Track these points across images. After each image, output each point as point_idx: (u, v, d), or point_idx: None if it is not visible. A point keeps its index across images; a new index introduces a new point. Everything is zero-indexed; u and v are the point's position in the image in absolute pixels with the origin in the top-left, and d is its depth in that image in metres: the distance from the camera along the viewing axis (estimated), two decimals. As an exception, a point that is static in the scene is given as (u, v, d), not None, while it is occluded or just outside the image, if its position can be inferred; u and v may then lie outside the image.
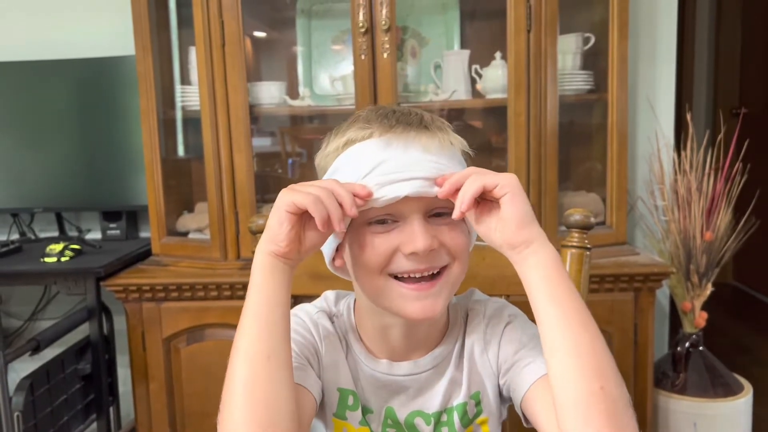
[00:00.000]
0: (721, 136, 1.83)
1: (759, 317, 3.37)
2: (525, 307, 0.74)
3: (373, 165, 0.71)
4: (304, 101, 1.84)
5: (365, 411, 0.82)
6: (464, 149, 0.78)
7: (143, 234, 2.12)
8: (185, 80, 1.86)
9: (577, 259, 0.92)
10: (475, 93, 1.81)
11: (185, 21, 1.81)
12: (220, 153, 1.72)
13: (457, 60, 1.81)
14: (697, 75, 3.86)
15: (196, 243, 1.81)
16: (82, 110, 2.02)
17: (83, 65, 1.98)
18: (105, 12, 2.05)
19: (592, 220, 0.92)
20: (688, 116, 1.88)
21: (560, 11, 1.63)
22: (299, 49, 1.96)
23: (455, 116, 1.89)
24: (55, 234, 2.15)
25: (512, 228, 0.69)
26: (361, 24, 1.63)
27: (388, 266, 0.73)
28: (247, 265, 1.68)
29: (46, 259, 1.78)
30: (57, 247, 1.81)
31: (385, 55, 1.64)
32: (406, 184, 0.70)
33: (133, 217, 2.09)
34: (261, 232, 0.96)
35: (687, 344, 1.85)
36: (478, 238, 0.78)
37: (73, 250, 1.83)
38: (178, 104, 1.87)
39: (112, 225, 2.07)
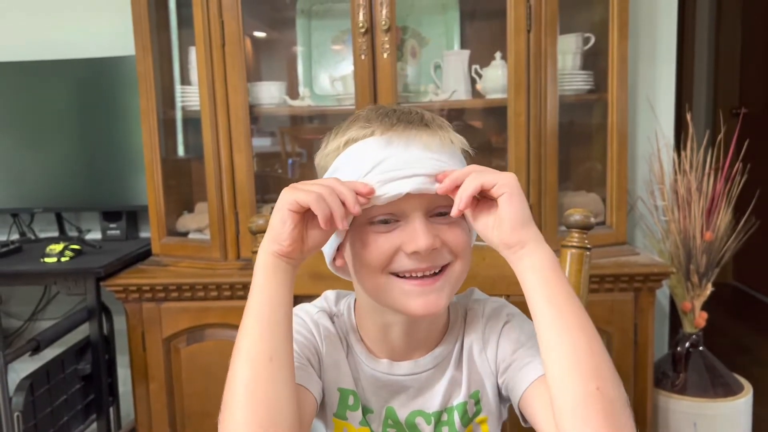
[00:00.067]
0: (721, 136, 1.83)
1: (759, 317, 3.37)
2: (525, 307, 0.74)
3: (374, 163, 0.71)
4: (304, 101, 1.84)
5: (365, 411, 0.82)
6: (464, 148, 0.78)
7: (143, 234, 2.12)
8: (185, 80, 1.86)
9: (577, 259, 0.92)
10: (475, 93, 1.82)
11: (185, 21, 1.81)
12: (220, 153, 1.72)
13: (457, 60, 1.81)
14: (697, 75, 3.86)
15: (196, 243, 1.81)
16: (82, 110, 2.02)
17: (83, 65, 1.98)
18: (105, 12, 2.05)
19: (592, 220, 0.92)
20: (688, 116, 1.88)
21: (560, 11, 1.64)
22: (299, 49, 1.96)
23: (455, 116, 1.89)
24: (55, 234, 2.15)
25: (508, 228, 0.69)
26: (361, 24, 1.63)
27: (390, 265, 0.73)
28: (247, 266, 1.69)
29: (46, 260, 1.78)
30: (57, 248, 1.81)
31: (385, 55, 1.65)
32: (408, 181, 0.70)
33: (133, 217, 2.09)
34: (261, 232, 0.97)
35: (687, 344, 1.85)
36: (478, 238, 0.78)
37: (73, 250, 1.83)
38: (178, 104, 1.87)
39: (112, 225, 2.07)
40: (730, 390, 1.81)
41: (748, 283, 3.71)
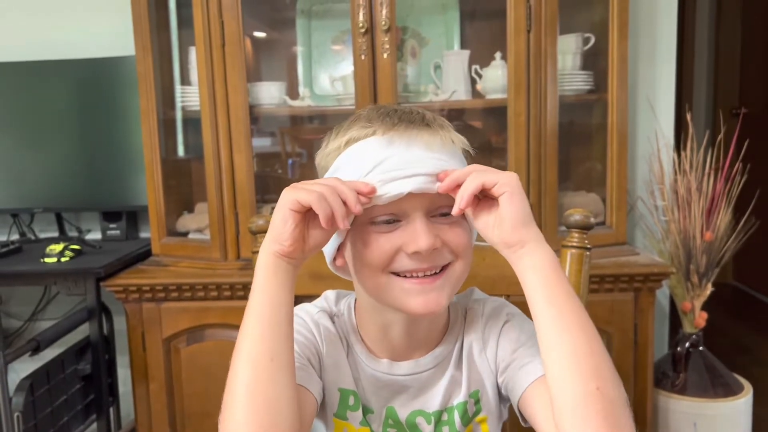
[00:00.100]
0: (721, 136, 1.83)
1: (759, 317, 3.37)
2: (525, 307, 0.74)
3: (376, 163, 0.71)
4: (304, 101, 1.84)
5: (366, 411, 0.82)
6: (465, 148, 0.78)
7: (143, 234, 2.12)
8: (185, 80, 1.86)
9: (577, 259, 0.92)
10: (475, 93, 1.82)
11: (185, 21, 1.81)
12: (220, 153, 1.72)
13: (457, 60, 1.81)
14: (697, 75, 3.86)
15: (196, 243, 1.81)
16: (82, 110, 2.02)
17: (83, 65, 1.98)
18: (105, 12, 2.05)
19: (592, 220, 0.92)
20: (688, 116, 1.88)
21: (560, 11, 1.64)
22: (299, 50, 1.96)
23: (455, 116, 1.89)
24: (55, 234, 2.15)
25: (508, 227, 0.70)
26: (361, 24, 1.63)
27: (391, 265, 0.73)
28: (247, 266, 1.69)
29: (46, 260, 1.78)
30: (57, 248, 1.81)
31: (385, 56, 1.65)
32: (409, 180, 0.70)
33: (133, 217, 2.09)
34: (261, 232, 0.97)
35: (687, 344, 1.85)
36: (478, 238, 0.78)
37: (73, 250, 1.83)
38: (178, 104, 1.87)
39: (112, 225, 2.07)
40: (730, 390, 1.81)
41: (748, 283, 3.71)
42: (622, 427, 0.64)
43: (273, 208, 0.70)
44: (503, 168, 0.86)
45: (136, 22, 1.76)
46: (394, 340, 0.81)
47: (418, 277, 0.73)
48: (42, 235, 2.16)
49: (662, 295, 2.00)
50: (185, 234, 1.88)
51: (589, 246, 0.93)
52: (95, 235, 2.13)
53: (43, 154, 2.04)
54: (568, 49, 1.77)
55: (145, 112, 1.79)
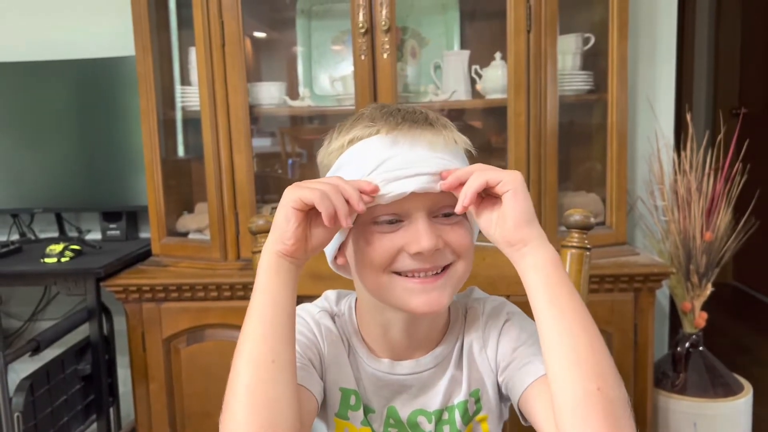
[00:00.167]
0: (721, 136, 1.83)
1: (759, 317, 3.37)
2: (525, 307, 0.74)
3: (379, 162, 0.71)
4: (304, 102, 1.84)
5: (367, 411, 0.82)
6: (467, 148, 0.78)
7: (143, 234, 2.12)
8: (185, 80, 1.86)
9: (577, 259, 0.93)
10: (475, 93, 1.82)
11: (185, 21, 1.81)
12: (220, 153, 1.72)
13: (457, 60, 1.81)
14: (697, 75, 3.86)
15: (196, 243, 1.81)
16: (82, 110, 2.02)
17: (83, 65, 1.99)
18: (105, 12, 2.05)
19: (592, 220, 0.92)
20: (688, 116, 1.88)
21: (560, 11, 1.64)
22: (299, 50, 1.96)
23: (455, 116, 1.89)
24: (55, 234, 2.15)
25: (511, 225, 0.69)
26: (360, 24, 1.63)
27: (393, 264, 0.73)
28: (247, 266, 1.69)
29: (46, 260, 1.78)
30: (57, 248, 1.81)
31: (385, 56, 1.65)
32: (412, 180, 0.70)
33: (133, 217, 2.09)
34: (261, 232, 0.97)
35: (687, 344, 1.85)
36: (478, 238, 0.78)
37: (73, 250, 1.83)
38: (178, 104, 1.87)
39: (112, 225, 2.07)
40: (730, 390, 1.81)
41: (748, 283, 3.71)
42: (623, 428, 0.64)
43: (273, 209, 0.70)
44: (503, 168, 0.86)
45: (136, 22, 1.76)
46: (394, 339, 0.81)
47: (419, 276, 0.73)
48: (42, 236, 2.16)
49: (662, 295, 2.00)
50: (185, 234, 1.88)
51: (589, 246, 0.93)
52: (95, 236, 2.13)
53: (42, 154, 2.04)
54: (568, 49, 1.77)
55: (145, 112, 1.79)
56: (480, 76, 1.79)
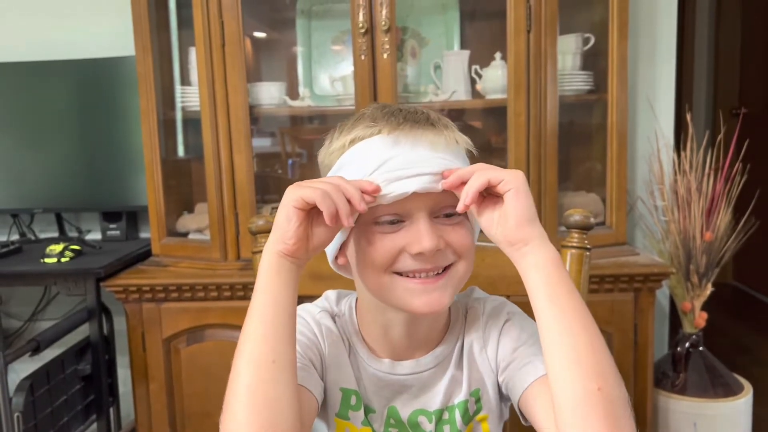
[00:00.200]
0: (721, 136, 1.83)
1: (759, 317, 3.37)
2: (526, 307, 0.74)
3: (380, 162, 0.71)
4: (304, 102, 1.84)
5: (368, 411, 0.82)
6: (468, 148, 0.78)
7: (143, 234, 2.12)
8: (185, 81, 1.86)
9: (577, 259, 0.93)
10: (475, 93, 1.82)
11: (185, 21, 1.81)
12: (220, 153, 1.72)
13: (457, 60, 1.81)
14: (697, 75, 3.86)
15: (196, 243, 1.81)
16: (82, 110, 2.02)
17: (83, 65, 1.99)
18: (105, 13, 2.05)
19: (592, 220, 0.92)
20: (688, 116, 1.88)
21: (560, 11, 1.64)
22: (299, 50, 1.96)
23: (455, 117, 1.89)
24: (55, 234, 2.15)
25: (513, 224, 0.69)
26: (360, 24, 1.63)
27: (394, 265, 0.73)
28: (247, 266, 1.69)
29: (46, 260, 1.78)
30: (57, 248, 1.81)
31: (385, 56, 1.65)
32: (414, 180, 0.70)
33: (133, 217, 2.09)
34: (261, 232, 0.97)
35: (687, 344, 1.85)
36: (479, 239, 0.78)
37: (73, 250, 1.83)
38: (178, 105, 1.87)
39: (112, 225, 2.07)
40: (730, 390, 1.81)
41: (748, 283, 3.71)
42: (623, 427, 0.64)
43: (273, 209, 0.70)
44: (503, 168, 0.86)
45: (136, 22, 1.76)
46: (395, 339, 0.81)
47: (420, 277, 0.73)
48: (42, 236, 2.16)
49: (662, 295, 2.00)
50: (185, 234, 1.88)
51: (589, 246, 0.93)
52: (95, 236, 2.13)
53: (43, 154, 2.04)
54: (568, 49, 1.77)
55: (145, 113, 1.79)
56: (480, 76, 1.79)
